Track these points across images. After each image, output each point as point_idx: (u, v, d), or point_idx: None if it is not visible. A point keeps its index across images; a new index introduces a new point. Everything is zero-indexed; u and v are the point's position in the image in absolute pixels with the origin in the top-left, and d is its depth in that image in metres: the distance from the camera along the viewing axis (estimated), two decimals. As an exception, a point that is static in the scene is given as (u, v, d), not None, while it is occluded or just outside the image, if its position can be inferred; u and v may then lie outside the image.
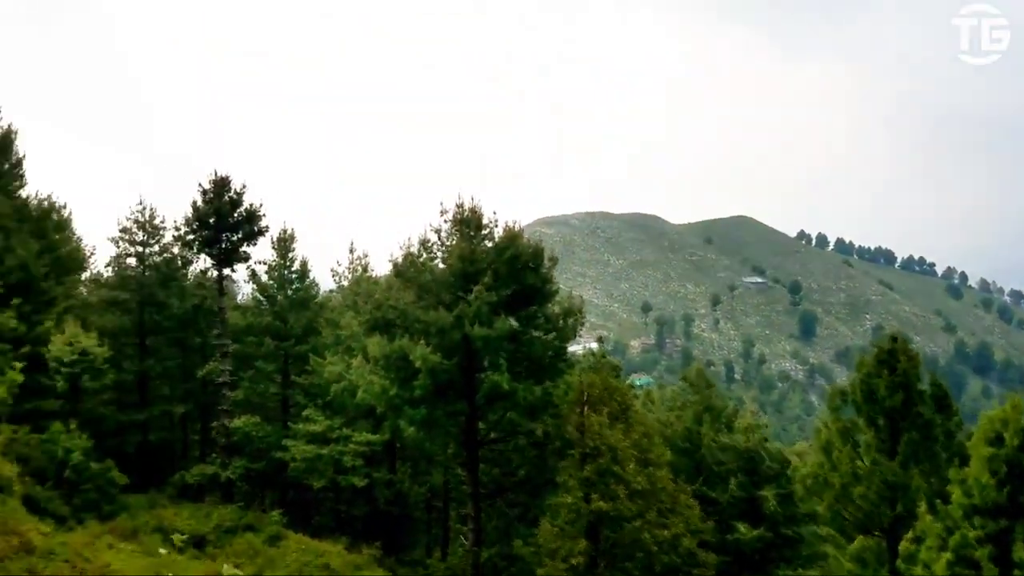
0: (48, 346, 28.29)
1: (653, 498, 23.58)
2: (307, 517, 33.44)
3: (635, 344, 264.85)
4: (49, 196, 37.11)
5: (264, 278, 35.43)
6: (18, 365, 9.45)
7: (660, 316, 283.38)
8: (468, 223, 26.22)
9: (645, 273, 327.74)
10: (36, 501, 24.38)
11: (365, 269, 38.56)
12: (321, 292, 38.16)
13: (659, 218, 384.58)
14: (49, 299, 31.12)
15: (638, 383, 76.75)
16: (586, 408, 23.72)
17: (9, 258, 29.34)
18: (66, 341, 28.33)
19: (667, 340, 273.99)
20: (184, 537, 25.29)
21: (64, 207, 37.71)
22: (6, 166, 36.04)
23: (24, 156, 36.69)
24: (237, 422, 31.97)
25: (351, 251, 38.93)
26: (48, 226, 35.51)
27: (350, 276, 38.82)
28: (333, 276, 40.02)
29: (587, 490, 22.92)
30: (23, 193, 36.21)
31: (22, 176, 37.00)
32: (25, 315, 29.13)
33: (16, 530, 20.80)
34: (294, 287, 35.82)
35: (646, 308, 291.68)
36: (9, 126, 35.76)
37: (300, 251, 35.83)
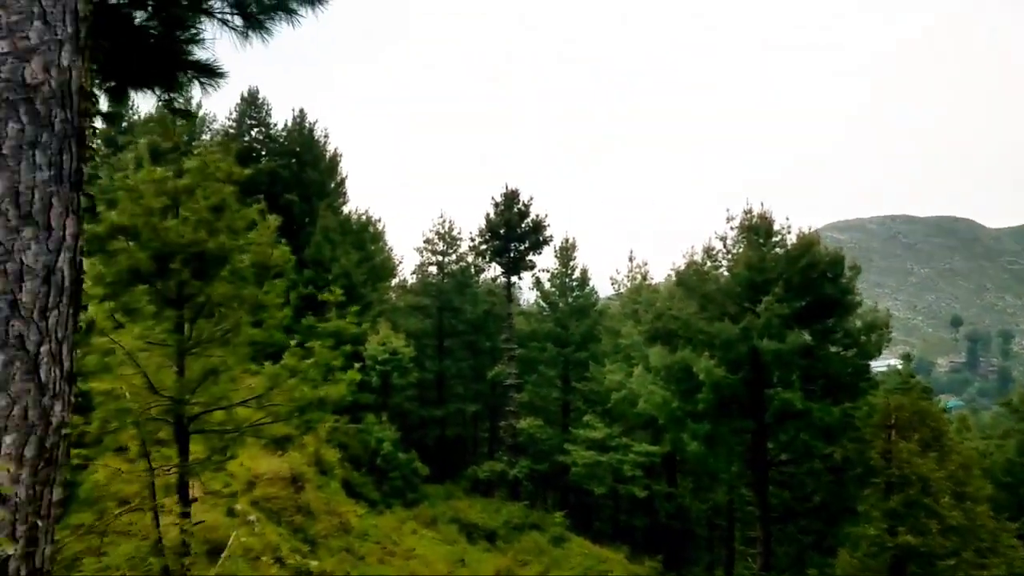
0: (365, 345, 31.65)
1: (971, 536, 20.69)
2: (587, 522, 33.94)
3: (942, 362, 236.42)
4: (367, 211, 41.74)
5: (547, 285, 36.82)
6: (357, 365, 10.55)
7: (973, 331, 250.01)
8: (757, 230, 24.95)
9: (955, 283, 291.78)
10: (353, 485, 27.28)
11: (644, 277, 38.44)
12: (600, 300, 38.78)
13: (972, 222, 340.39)
14: (366, 303, 34.84)
15: (949, 406, 68.31)
16: (893, 433, 21.38)
17: (335, 267, 33.24)
18: (380, 341, 31.51)
19: (980, 359, 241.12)
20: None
21: (379, 221, 42.16)
22: (332, 185, 41.15)
23: (347, 176, 41.71)
24: (522, 423, 33.43)
25: (630, 259, 39.03)
26: (365, 238, 39.88)
27: (629, 284, 38.91)
28: (612, 284, 40.44)
29: (892, 522, 20.64)
30: (345, 209, 41.08)
31: (344, 194, 42.07)
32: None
33: (337, 511, 23.42)
34: (574, 294, 36.77)
35: (956, 322, 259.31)
36: (335, 150, 40.86)
37: (580, 260, 36.78)
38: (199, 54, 4.75)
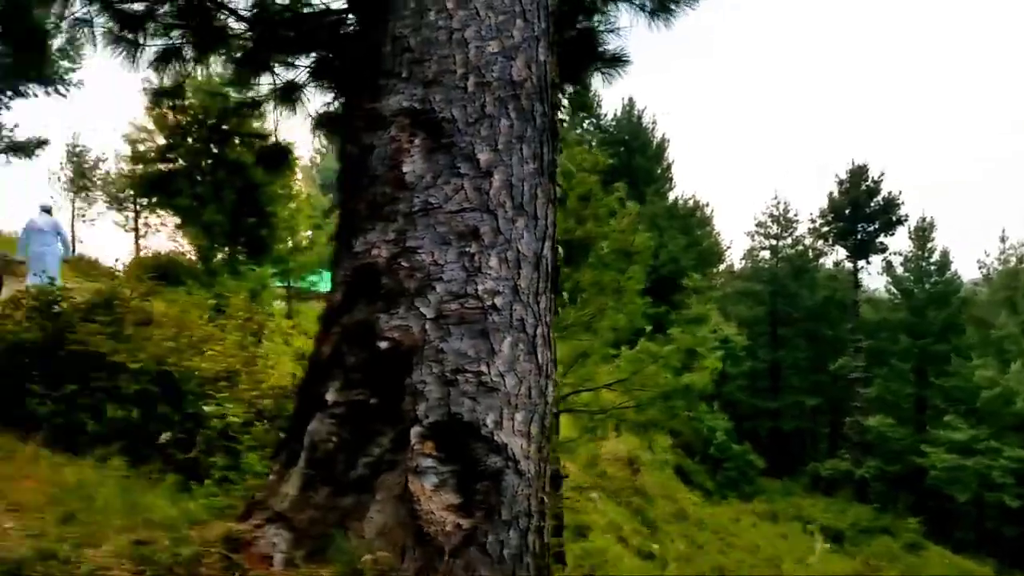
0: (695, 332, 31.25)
1: None
2: (947, 530, 30.34)
3: None
4: (693, 195, 41.34)
5: (900, 270, 33.38)
6: (719, 353, 10.47)
7: None
8: None
9: None
10: (686, 473, 27.13)
11: (1021, 260, 33.21)
12: (963, 285, 34.32)
13: None
14: (694, 289, 34.45)
15: None
16: None
17: (663, 253, 33.27)
18: (710, 329, 30.87)
19: None
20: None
21: (706, 205, 41.49)
22: (658, 171, 41.28)
23: (673, 161, 41.60)
24: (871, 420, 30.76)
25: (1002, 239, 33.92)
26: (692, 223, 39.48)
27: (1000, 268, 33.90)
28: (980, 268, 35.52)
29: None
30: (671, 195, 41.04)
31: (671, 179, 42.02)
32: (678, 304, 32.81)
33: (673, 497, 23.44)
34: (932, 280, 32.90)
35: None
36: (662, 136, 40.91)
37: (940, 241, 32.75)
38: (609, 44, 4.82)
